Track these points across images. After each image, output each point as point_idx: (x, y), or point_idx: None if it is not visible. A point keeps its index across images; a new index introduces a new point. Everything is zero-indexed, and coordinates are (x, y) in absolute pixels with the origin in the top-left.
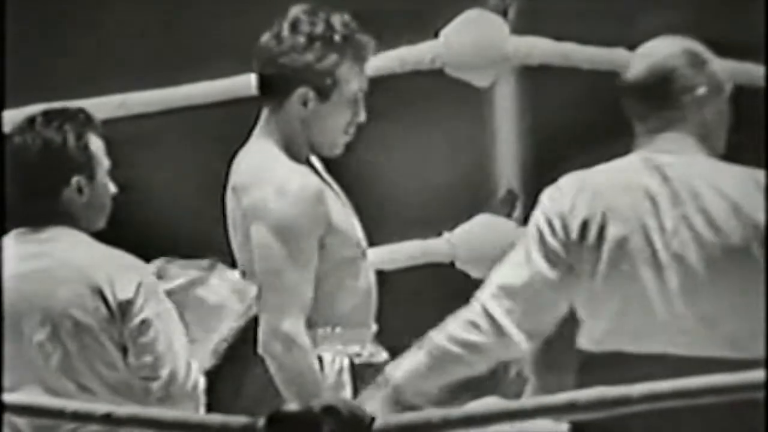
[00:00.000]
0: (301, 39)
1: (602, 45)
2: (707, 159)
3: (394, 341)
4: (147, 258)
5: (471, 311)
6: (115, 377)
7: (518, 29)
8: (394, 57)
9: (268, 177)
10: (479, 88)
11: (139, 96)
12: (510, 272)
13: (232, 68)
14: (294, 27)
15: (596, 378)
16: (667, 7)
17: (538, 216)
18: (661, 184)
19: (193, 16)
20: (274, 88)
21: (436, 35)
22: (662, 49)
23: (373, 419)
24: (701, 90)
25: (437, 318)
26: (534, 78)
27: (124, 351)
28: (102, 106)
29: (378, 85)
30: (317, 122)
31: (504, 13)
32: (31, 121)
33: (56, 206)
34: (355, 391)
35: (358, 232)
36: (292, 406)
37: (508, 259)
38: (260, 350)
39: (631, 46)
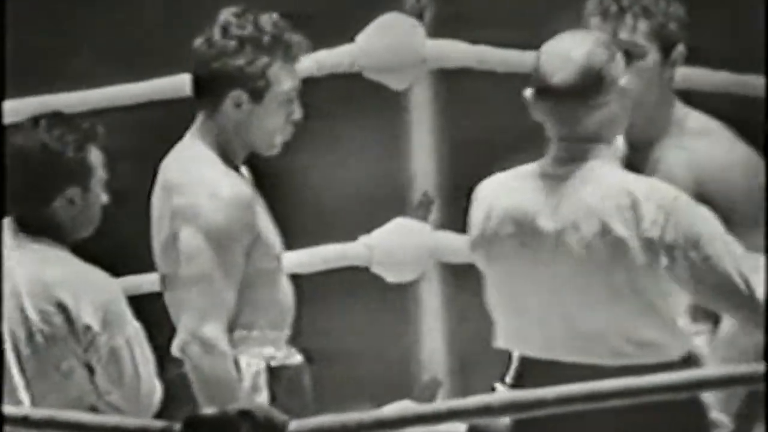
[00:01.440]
0: (232, 42)
1: (518, 48)
2: (604, 165)
3: (309, 344)
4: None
5: None
6: (72, 389)
7: (434, 32)
8: (312, 60)
9: (201, 180)
10: (396, 92)
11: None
12: None
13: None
14: (224, 31)
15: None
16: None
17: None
18: (548, 196)
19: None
20: (208, 91)
21: (353, 39)
22: (580, 47)
23: (287, 423)
24: (624, 80)
25: (352, 321)
26: (450, 81)
27: (89, 368)
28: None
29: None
30: (252, 124)
31: (420, 17)
32: (35, 122)
33: (45, 214)
34: (272, 394)
35: (279, 243)
36: (208, 410)
37: None
38: (176, 352)
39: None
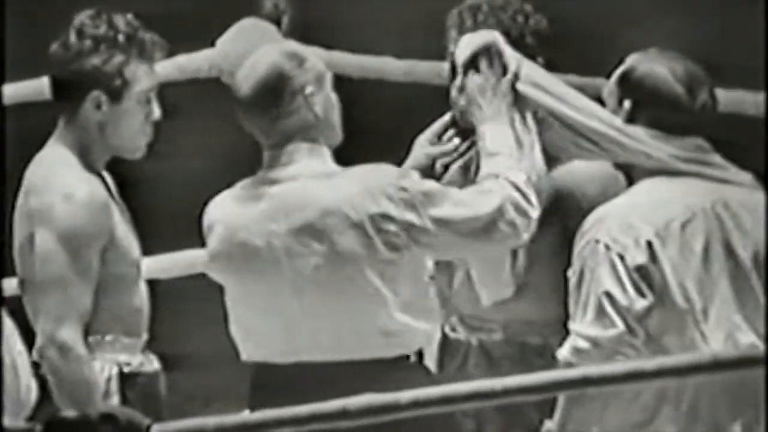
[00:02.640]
0: (87, 43)
1: (372, 54)
2: (316, 165)
3: (165, 349)
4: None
5: None
6: None
7: (291, 38)
8: (172, 65)
9: (56, 183)
10: None
11: None
12: None
13: None
14: (80, 32)
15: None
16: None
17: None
18: (272, 203)
19: None
20: (67, 94)
21: (212, 44)
22: (263, 60)
23: (149, 427)
24: (309, 88)
25: (208, 326)
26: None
27: None
28: None
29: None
30: (113, 125)
31: (277, 22)
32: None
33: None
34: (123, 400)
35: (137, 250)
36: (69, 412)
37: None
38: (35, 356)
39: (397, 55)
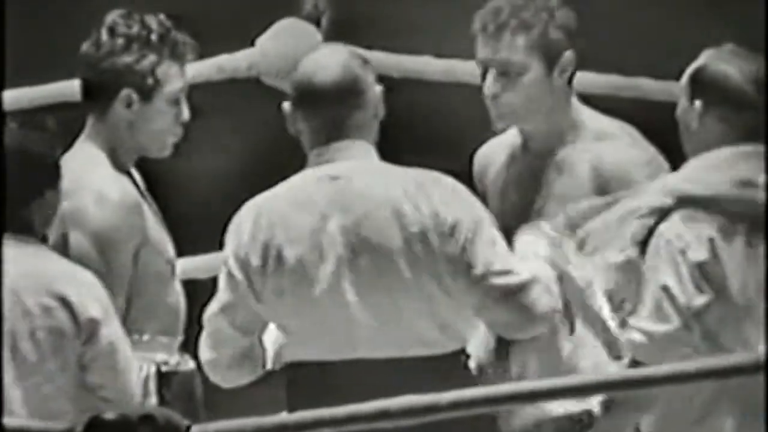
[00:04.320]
0: (119, 41)
1: (412, 54)
2: (378, 163)
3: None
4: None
5: None
6: (49, 390)
7: (331, 38)
8: (212, 65)
9: (88, 184)
10: None
11: None
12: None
13: None
14: (111, 31)
15: (306, 387)
16: None
17: (227, 254)
18: (331, 195)
19: None
20: (98, 93)
21: (252, 44)
22: (333, 57)
23: (189, 428)
24: (377, 87)
25: None
26: None
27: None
28: None
29: (194, 91)
30: (142, 124)
31: (317, 22)
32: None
33: (24, 213)
34: (161, 399)
35: (170, 248)
36: (109, 413)
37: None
38: None
39: (438, 55)
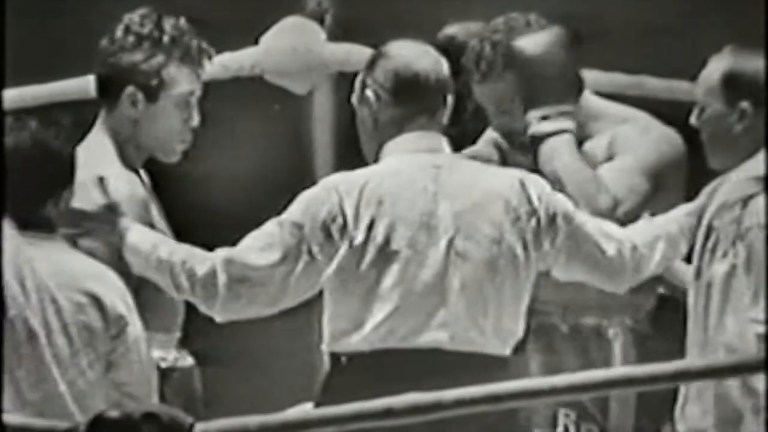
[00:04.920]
0: (131, 39)
1: None
2: (458, 156)
3: (199, 345)
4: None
5: None
6: (83, 385)
7: (335, 36)
8: (216, 63)
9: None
10: (298, 95)
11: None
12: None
13: None
14: (126, 29)
15: (358, 376)
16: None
17: (311, 212)
18: (439, 181)
19: None
20: (107, 87)
21: (256, 42)
22: (428, 51)
23: (192, 425)
24: (453, 85)
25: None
26: (351, 85)
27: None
28: None
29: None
30: (147, 124)
31: (321, 21)
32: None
33: (48, 211)
34: (162, 395)
35: None
36: (112, 412)
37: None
38: None
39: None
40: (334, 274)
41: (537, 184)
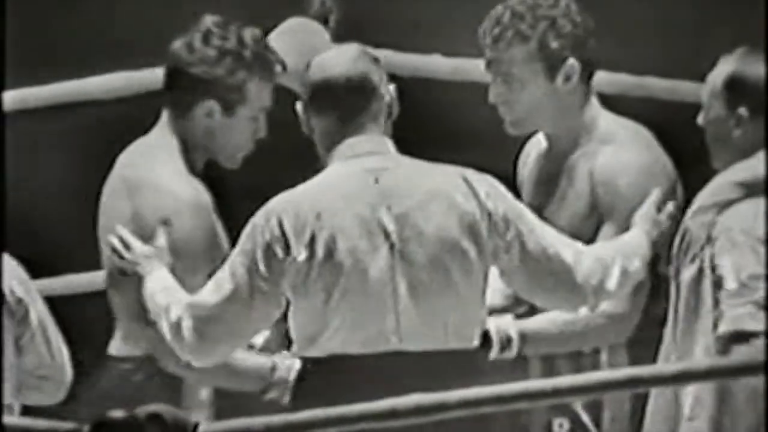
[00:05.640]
0: (212, 52)
1: (419, 52)
2: (405, 157)
3: None
4: None
5: None
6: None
7: (339, 37)
8: None
9: (163, 181)
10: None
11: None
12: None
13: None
14: (206, 39)
15: (322, 381)
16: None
17: (249, 249)
18: (376, 187)
19: None
20: (182, 94)
21: None
22: (350, 52)
23: (196, 426)
24: (391, 86)
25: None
26: None
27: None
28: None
29: None
30: (220, 134)
31: (325, 21)
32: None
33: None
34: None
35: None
36: (116, 412)
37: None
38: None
39: (447, 53)
40: (288, 292)
41: (483, 181)
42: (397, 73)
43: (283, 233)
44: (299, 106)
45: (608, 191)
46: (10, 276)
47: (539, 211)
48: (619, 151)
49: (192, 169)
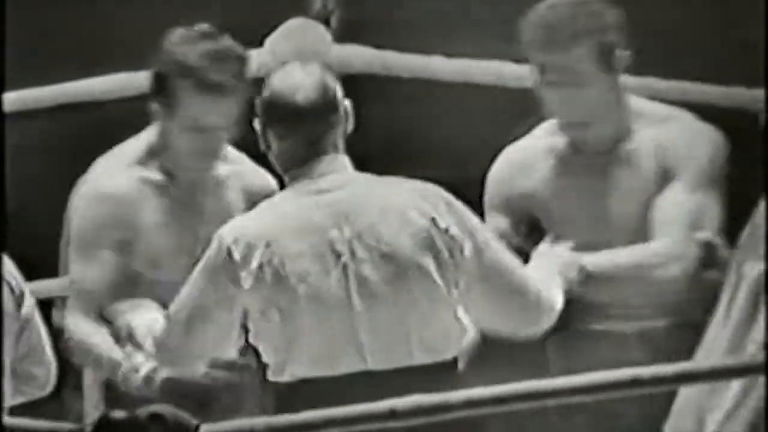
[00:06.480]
0: (165, 57)
1: (423, 53)
2: (360, 174)
3: None
4: None
5: None
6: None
7: (340, 38)
8: None
9: (89, 179)
10: None
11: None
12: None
13: None
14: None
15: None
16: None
17: (206, 267)
18: (327, 208)
19: None
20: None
21: (261, 44)
22: (312, 71)
23: (198, 427)
24: (346, 102)
25: None
26: (356, 86)
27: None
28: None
29: None
30: (165, 137)
31: (326, 22)
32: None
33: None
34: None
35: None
36: (118, 413)
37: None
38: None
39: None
40: (244, 320)
41: (436, 195)
42: (399, 74)
43: (233, 262)
44: (256, 123)
45: (687, 155)
46: (9, 276)
47: (595, 206)
48: (685, 124)
49: (162, 167)
